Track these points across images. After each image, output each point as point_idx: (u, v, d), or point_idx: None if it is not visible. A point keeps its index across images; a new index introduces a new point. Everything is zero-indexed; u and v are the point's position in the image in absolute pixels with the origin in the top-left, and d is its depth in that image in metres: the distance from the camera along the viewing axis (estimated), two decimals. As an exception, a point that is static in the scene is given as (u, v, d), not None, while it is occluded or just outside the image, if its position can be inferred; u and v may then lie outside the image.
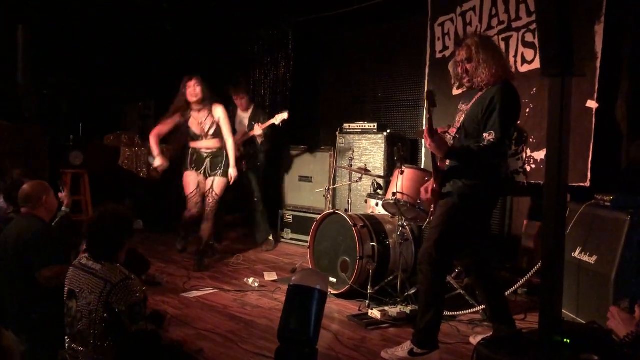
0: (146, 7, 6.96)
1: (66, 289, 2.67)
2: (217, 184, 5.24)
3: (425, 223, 4.07)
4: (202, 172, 5.30)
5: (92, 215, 2.77)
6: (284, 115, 5.76)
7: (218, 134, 5.24)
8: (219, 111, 5.21)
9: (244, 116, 6.14)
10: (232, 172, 5.24)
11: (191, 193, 5.29)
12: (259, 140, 5.96)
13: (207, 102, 5.17)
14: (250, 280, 4.70)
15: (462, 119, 3.22)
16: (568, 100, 1.93)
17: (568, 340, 1.80)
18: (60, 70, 6.75)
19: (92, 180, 6.37)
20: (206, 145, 5.28)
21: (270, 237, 6.25)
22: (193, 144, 5.34)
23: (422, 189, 3.39)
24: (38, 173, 4.89)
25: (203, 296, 4.33)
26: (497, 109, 2.97)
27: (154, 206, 7.04)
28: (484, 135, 3.00)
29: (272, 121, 5.81)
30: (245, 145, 6.03)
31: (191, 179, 5.32)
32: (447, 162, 3.25)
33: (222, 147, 5.28)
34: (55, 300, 2.88)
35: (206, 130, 5.22)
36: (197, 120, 5.20)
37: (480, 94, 3.15)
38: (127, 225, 2.76)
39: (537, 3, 2.17)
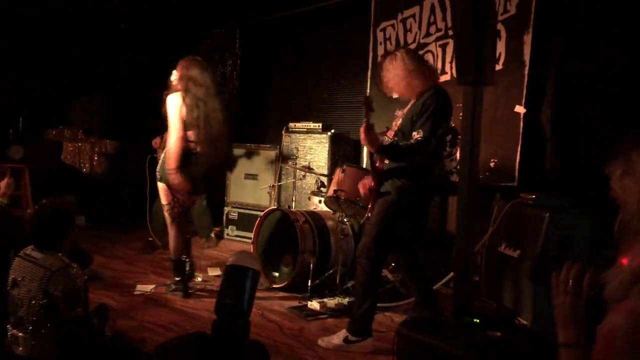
0: (94, 2, 6.90)
1: (10, 278, 2.72)
2: None
3: (364, 219, 4.28)
4: None
5: (36, 207, 2.85)
6: None
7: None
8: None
9: None
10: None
11: None
12: None
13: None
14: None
15: (399, 122, 3.44)
16: (480, 107, 2.13)
17: (477, 320, 2.01)
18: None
19: (33, 175, 6.27)
20: None
21: (212, 234, 6.31)
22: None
23: (360, 185, 3.61)
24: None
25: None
26: (427, 111, 3.21)
27: (98, 202, 6.98)
28: (413, 134, 3.24)
29: None
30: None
31: None
32: (386, 162, 3.46)
33: None
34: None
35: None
36: None
37: (413, 100, 3.38)
38: (68, 214, 2.85)
39: (453, 17, 2.37)
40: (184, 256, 4.36)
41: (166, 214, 4.23)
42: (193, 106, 4.03)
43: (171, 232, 4.25)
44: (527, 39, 4.65)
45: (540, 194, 4.00)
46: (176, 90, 4.07)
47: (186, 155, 4.05)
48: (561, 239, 3.71)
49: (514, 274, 3.89)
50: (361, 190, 3.62)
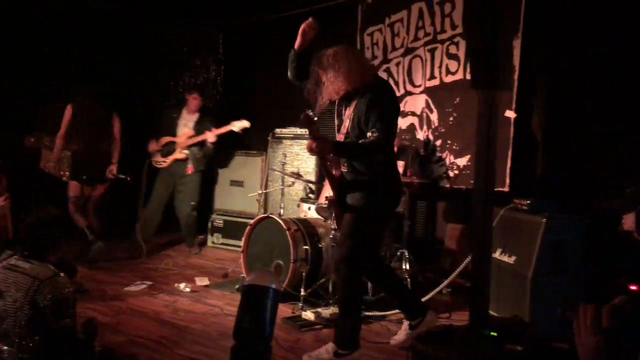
0: (70, 5, 6.73)
1: None
2: None
3: (332, 229, 4.22)
4: None
5: (28, 216, 2.76)
6: (245, 124, 5.74)
7: None
8: None
9: (189, 118, 6.07)
10: None
11: None
12: (210, 145, 5.92)
13: None
14: (182, 285, 4.65)
15: (347, 124, 3.27)
16: (495, 111, 2.09)
17: (495, 333, 1.95)
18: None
19: (11, 183, 6.05)
20: None
21: (196, 242, 6.26)
22: None
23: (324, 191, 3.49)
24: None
25: (134, 302, 4.24)
26: (377, 109, 3.07)
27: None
28: (368, 134, 3.07)
29: (229, 127, 5.77)
30: (191, 148, 5.98)
31: None
32: (343, 169, 3.28)
33: None
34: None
35: None
36: None
37: (355, 102, 3.21)
38: (62, 225, 2.84)
39: (466, 22, 2.32)
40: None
41: (72, 205, 5.50)
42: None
43: (79, 217, 5.50)
44: (517, 43, 4.64)
45: (535, 200, 3.99)
46: None
47: None
48: (556, 244, 3.70)
49: (510, 280, 3.86)
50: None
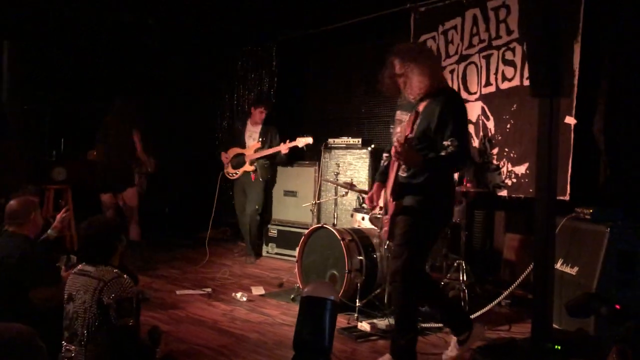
0: (131, 23, 7.01)
1: (66, 294, 2.78)
2: None
3: (386, 239, 4.14)
4: None
5: (83, 224, 2.89)
6: (308, 140, 5.92)
7: None
8: None
9: (254, 130, 6.27)
10: None
11: None
12: (283, 156, 6.18)
13: None
14: (239, 295, 4.72)
15: (414, 127, 3.12)
16: (556, 119, 2.04)
17: (559, 347, 1.89)
18: (42, 85, 6.73)
19: (76, 196, 6.32)
20: None
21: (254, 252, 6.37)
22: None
23: (367, 199, 3.44)
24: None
25: (193, 311, 4.34)
26: (452, 118, 2.97)
27: (139, 221, 6.99)
28: (445, 143, 2.97)
29: (295, 144, 5.97)
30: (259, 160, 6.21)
31: None
32: (402, 174, 3.17)
33: None
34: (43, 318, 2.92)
35: None
36: None
37: (424, 104, 3.12)
38: (116, 229, 2.95)
39: (525, 26, 2.28)
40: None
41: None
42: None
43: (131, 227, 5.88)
44: (577, 47, 4.50)
45: (598, 208, 3.85)
46: None
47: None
48: (623, 254, 3.55)
49: (572, 291, 3.72)
50: (368, 204, 3.47)
